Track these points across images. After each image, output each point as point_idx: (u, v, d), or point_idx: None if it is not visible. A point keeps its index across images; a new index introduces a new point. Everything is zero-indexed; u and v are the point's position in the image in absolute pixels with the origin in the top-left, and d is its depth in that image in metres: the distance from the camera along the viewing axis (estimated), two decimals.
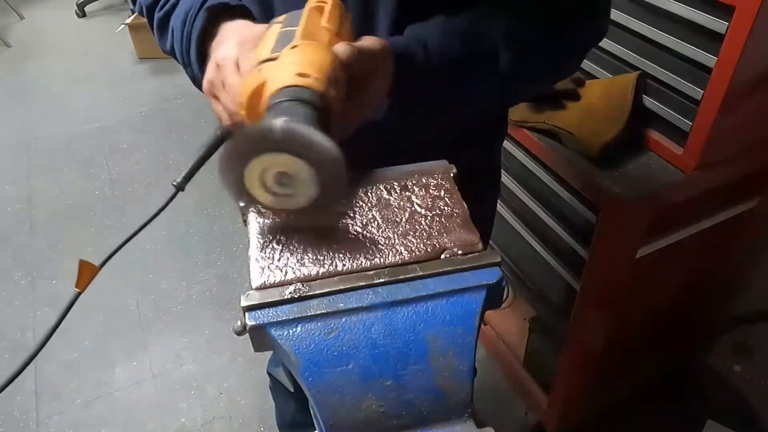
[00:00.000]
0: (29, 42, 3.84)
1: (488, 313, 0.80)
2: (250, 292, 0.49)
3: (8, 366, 1.92)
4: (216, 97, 0.61)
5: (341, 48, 0.52)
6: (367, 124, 0.58)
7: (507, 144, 1.30)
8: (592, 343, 1.31)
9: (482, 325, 0.51)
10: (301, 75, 0.46)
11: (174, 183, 0.67)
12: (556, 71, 0.74)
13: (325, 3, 0.58)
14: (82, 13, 4.11)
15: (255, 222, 0.54)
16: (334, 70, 0.49)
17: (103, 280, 0.98)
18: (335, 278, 0.49)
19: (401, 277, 0.49)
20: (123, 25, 3.53)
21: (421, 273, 0.50)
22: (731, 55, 0.93)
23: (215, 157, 0.48)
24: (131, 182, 2.62)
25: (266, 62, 0.50)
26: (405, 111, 0.63)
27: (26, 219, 2.46)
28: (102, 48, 3.72)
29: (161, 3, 0.72)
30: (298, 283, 0.49)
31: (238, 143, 0.40)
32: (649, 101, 1.12)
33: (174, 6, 0.70)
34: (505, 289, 1.01)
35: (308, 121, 0.43)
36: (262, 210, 0.45)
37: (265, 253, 0.51)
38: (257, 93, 0.49)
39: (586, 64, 1.23)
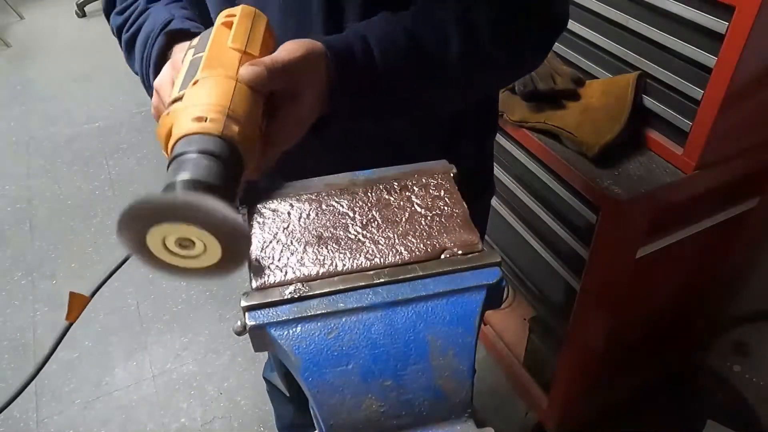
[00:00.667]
0: (29, 42, 3.84)
1: (488, 313, 0.80)
2: (250, 292, 0.49)
3: (8, 366, 1.92)
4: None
5: (246, 72, 0.49)
6: (313, 135, 0.55)
7: (507, 144, 1.30)
8: (592, 343, 1.31)
9: (482, 325, 0.51)
10: (197, 119, 0.45)
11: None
12: (515, 59, 0.69)
13: (234, 16, 0.54)
14: (82, 13, 4.11)
15: (255, 222, 0.54)
16: (237, 104, 0.47)
17: (101, 279, 0.97)
18: (335, 278, 0.49)
19: (401, 277, 0.49)
20: None
21: (421, 273, 0.50)
22: (731, 55, 0.93)
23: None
24: (131, 182, 2.62)
25: (174, 103, 0.49)
26: (353, 113, 0.59)
27: (26, 219, 2.46)
28: (102, 48, 3.72)
29: (128, 24, 0.71)
30: (298, 283, 0.49)
31: (138, 210, 0.38)
32: (649, 101, 1.12)
33: (139, 28, 0.69)
34: (505, 289, 1.01)
35: (211, 176, 0.42)
36: (161, 269, 0.43)
37: (265, 253, 0.51)
38: (168, 136, 0.48)
39: (586, 64, 1.23)
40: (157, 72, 0.62)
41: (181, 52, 0.58)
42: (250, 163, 0.47)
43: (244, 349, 1.94)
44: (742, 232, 1.35)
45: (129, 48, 0.71)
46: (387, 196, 0.56)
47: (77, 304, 0.61)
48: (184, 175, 0.42)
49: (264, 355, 1.86)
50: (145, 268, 0.43)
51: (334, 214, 0.55)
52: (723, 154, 1.09)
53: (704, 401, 1.53)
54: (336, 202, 0.56)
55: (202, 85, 0.48)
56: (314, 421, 0.50)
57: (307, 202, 0.56)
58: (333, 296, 0.48)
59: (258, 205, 0.56)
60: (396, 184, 0.57)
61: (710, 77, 0.98)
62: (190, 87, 0.48)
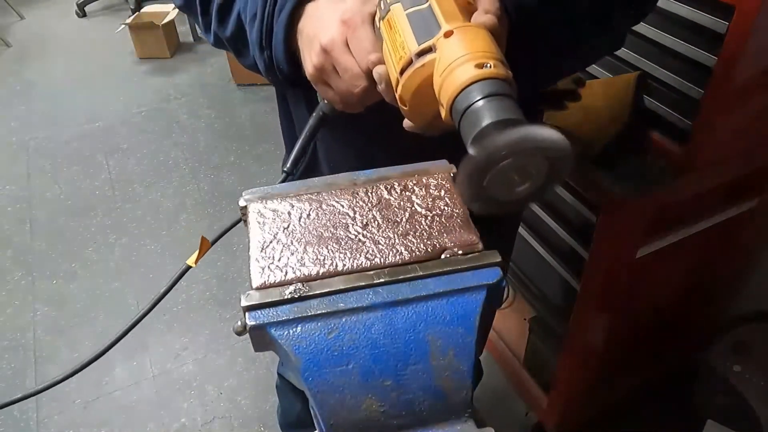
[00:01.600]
0: (29, 42, 3.84)
1: None
2: (250, 292, 0.49)
3: (8, 366, 1.92)
4: (326, 83, 0.59)
5: (486, 20, 0.49)
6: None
7: None
8: (592, 343, 1.31)
9: None
10: (479, 66, 0.44)
11: (285, 169, 0.66)
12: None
13: None
14: (82, 13, 4.11)
15: (255, 222, 0.54)
16: (499, 50, 0.47)
17: (103, 280, 0.97)
18: (335, 278, 0.49)
19: (401, 277, 0.49)
20: (123, 25, 3.53)
21: (421, 273, 0.50)
22: (731, 55, 0.93)
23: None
24: (131, 182, 2.62)
25: (422, 55, 0.48)
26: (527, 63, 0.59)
27: (26, 219, 2.46)
28: (102, 48, 3.72)
29: None
30: (298, 283, 0.49)
31: (476, 161, 0.40)
32: (649, 101, 1.12)
33: None
34: (505, 289, 1.01)
35: (515, 113, 0.42)
36: (489, 208, 0.44)
37: (265, 253, 0.51)
38: (423, 88, 0.48)
39: None
40: (288, 30, 0.61)
41: (323, 9, 0.58)
42: None
43: (244, 349, 1.94)
44: (742, 232, 1.35)
45: (224, 10, 0.69)
46: (387, 196, 0.56)
47: (204, 248, 0.65)
48: (506, 115, 0.42)
49: (265, 355, 1.86)
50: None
51: (335, 214, 0.55)
52: (723, 154, 1.09)
53: (704, 401, 1.53)
54: (336, 201, 0.56)
55: (463, 37, 0.47)
56: (314, 421, 0.50)
57: (307, 202, 0.56)
58: (333, 296, 0.48)
59: (259, 205, 0.56)
60: (396, 184, 0.57)
61: (710, 77, 0.98)
62: (442, 39, 0.47)
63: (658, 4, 1.01)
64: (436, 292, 0.49)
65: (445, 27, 0.48)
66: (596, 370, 1.41)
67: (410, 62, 0.49)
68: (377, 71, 0.54)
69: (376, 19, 0.55)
